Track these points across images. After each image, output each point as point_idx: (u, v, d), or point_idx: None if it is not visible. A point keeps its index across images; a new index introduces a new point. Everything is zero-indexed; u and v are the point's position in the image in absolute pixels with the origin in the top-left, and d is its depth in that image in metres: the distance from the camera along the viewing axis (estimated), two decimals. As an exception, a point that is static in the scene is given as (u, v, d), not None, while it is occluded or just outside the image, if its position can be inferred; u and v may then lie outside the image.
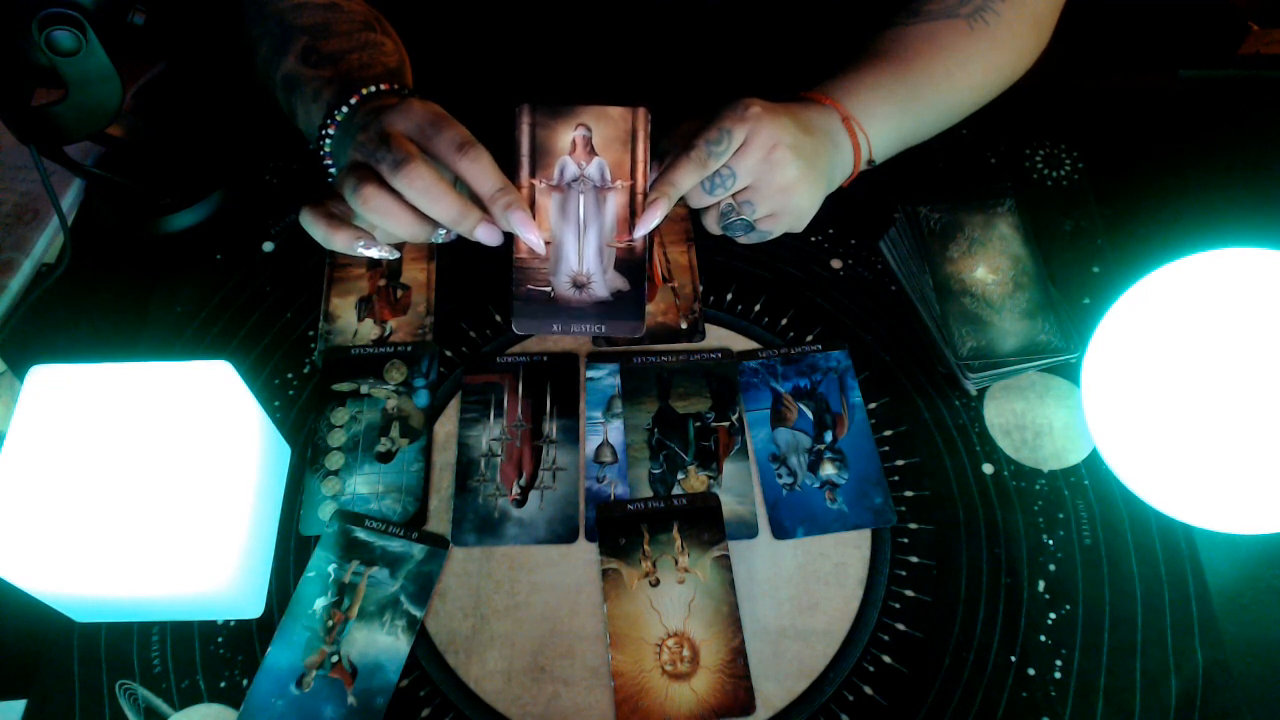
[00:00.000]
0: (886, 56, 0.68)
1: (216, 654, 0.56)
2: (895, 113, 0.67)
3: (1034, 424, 0.63)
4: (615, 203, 0.60)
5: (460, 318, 0.69)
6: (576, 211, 0.60)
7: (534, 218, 0.59)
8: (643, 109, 0.60)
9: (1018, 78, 0.72)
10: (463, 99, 0.65)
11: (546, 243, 0.61)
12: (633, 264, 0.62)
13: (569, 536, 0.59)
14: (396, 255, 0.61)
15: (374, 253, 0.58)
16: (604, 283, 0.62)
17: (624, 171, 0.60)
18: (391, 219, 0.56)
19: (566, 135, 0.59)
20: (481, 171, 0.56)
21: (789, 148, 0.60)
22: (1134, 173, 0.76)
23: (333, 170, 0.63)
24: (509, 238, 0.59)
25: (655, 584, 0.56)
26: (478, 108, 0.64)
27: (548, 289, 0.62)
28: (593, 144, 0.60)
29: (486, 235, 0.57)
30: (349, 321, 0.68)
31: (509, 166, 0.59)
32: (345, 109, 0.60)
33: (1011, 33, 0.70)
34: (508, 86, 0.81)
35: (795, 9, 0.79)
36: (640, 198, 0.60)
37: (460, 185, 0.58)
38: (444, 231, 0.59)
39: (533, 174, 0.60)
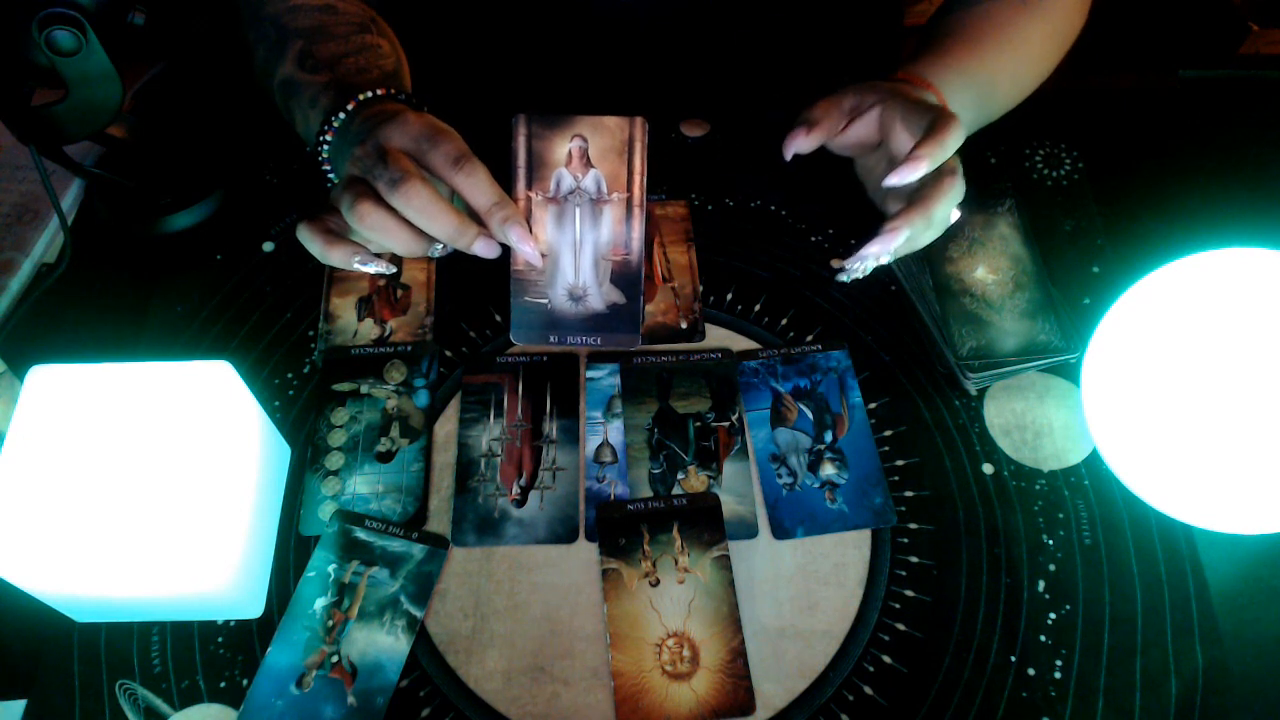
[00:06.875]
0: (958, 39, 0.69)
1: (216, 654, 0.56)
2: (975, 96, 0.68)
3: (1034, 424, 0.63)
4: (611, 216, 0.61)
5: (460, 318, 0.69)
6: (573, 224, 0.61)
7: (530, 231, 0.59)
8: (640, 119, 0.60)
9: (1069, 47, 0.74)
10: (459, 107, 0.65)
11: (543, 255, 0.61)
12: (629, 277, 0.62)
13: (569, 536, 0.59)
14: (394, 270, 0.61)
15: (371, 268, 0.59)
16: (600, 295, 0.62)
17: (620, 183, 0.60)
18: (389, 235, 0.56)
19: (563, 146, 0.59)
20: (477, 186, 0.56)
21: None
22: (1134, 173, 0.76)
23: (331, 175, 0.63)
24: (506, 249, 0.59)
25: (655, 584, 0.56)
26: (474, 116, 0.64)
27: (544, 301, 0.62)
28: (589, 155, 0.60)
29: (484, 249, 0.58)
30: (349, 321, 0.68)
31: (505, 178, 0.59)
32: (342, 115, 0.60)
33: (1061, 3, 0.72)
34: (504, 94, 0.81)
35: (790, 15, 0.79)
36: (637, 210, 0.60)
37: (457, 199, 0.58)
38: (441, 246, 0.59)
39: (529, 186, 0.60)
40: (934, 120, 0.58)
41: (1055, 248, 0.71)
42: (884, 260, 0.61)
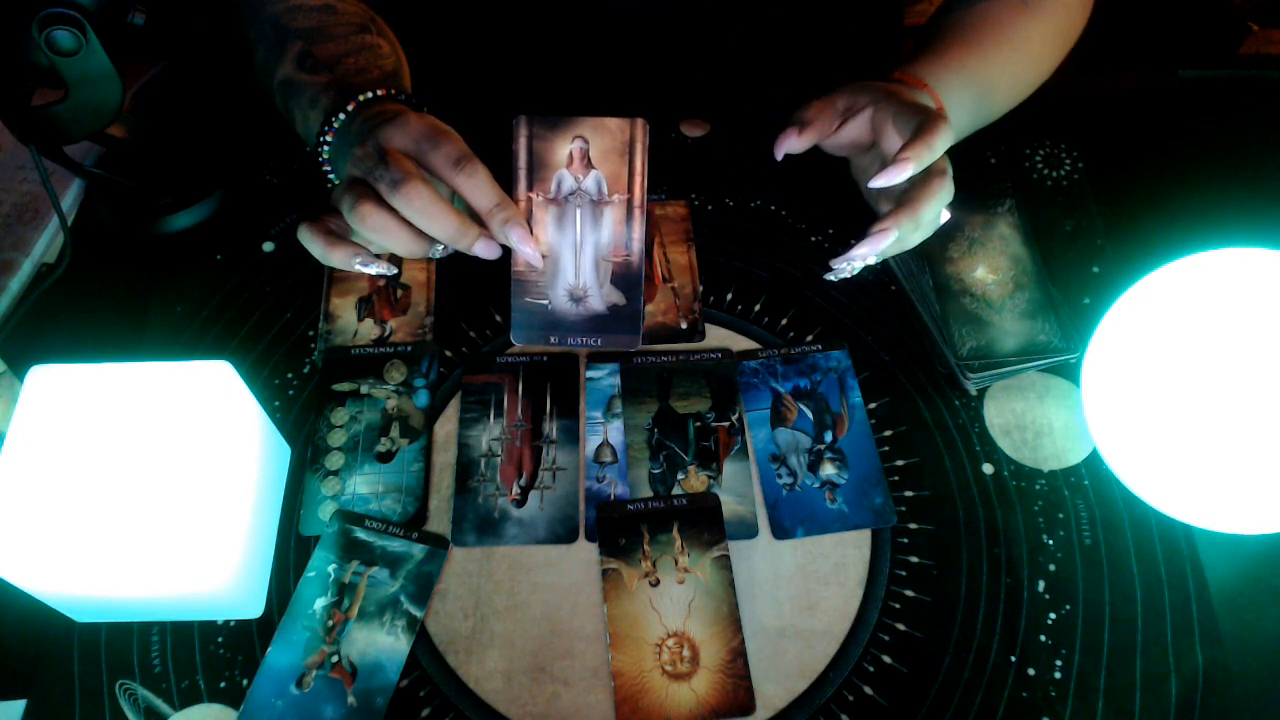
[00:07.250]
0: (957, 39, 0.69)
1: (216, 654, 0.56)
2: (973, 96, 0.68)
3: (1034, 424, 0.63)
4: (612, 217, 0.61)
5: (460, 318, 0.69)
6: (573, 225, 0.60)
7: (531, 232, 0.59)
8: (641, 120, 0.60)
9: (1070, 47, 0.73)
10: (460, 108, 0.65)
11: (544, 256, 0.61)
12: (629, 278, 0.62)
13: (569, 536, 0.59)
14: (395, 272, 0.61)
15: (372, 269, 0.59)
16: (601, 296, 0.62)
17: (621, 184, 0.60)
18: (389, 236, 0.56)
19: (564, 147, 0.59)
20: (478, 187, 0.56)
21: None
22: (1134, 173, 0.76)
23: (331, 176, 0.63)
24: (507, 250, 0.59)
25: (655, 584, 0.56)
26: (475, 117, 0.64)
27: (545, 302, 0.62)
28: (590, 156, 0.60)
29: (484, 250, 0.58)
30: (349, 321, 0.68)
31: (506, 179, 0.59)
32: (342, 115, 0.60)
33: (1062, 2, 0.72)
34: (505, 96, 0.81)
35: (790, 15, 0.79)
36: (638, 211, 0.60)
37: (458, 200, 0.58)
38: (441, 247, 0.59)
39: (530, 187, 0.60)
40: (922, 122, 0.58)
41: (1055, 248, 0.71)
42: (871, 261, 0.61)
